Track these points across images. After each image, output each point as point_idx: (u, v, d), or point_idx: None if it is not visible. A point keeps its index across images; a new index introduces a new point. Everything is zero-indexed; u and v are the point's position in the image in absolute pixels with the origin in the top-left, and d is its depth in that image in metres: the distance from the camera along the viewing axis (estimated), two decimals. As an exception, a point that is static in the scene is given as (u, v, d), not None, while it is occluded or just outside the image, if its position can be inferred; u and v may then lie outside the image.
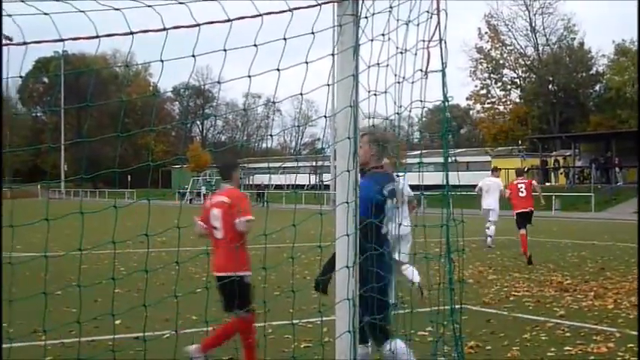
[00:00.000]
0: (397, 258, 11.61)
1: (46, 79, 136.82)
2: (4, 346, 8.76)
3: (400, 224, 7.22)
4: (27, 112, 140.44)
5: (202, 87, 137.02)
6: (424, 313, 7.16)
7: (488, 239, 26.18)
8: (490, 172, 28.79)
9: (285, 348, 9.55)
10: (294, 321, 9.80)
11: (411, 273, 12.60)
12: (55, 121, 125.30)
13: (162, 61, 5.19)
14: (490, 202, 26.66)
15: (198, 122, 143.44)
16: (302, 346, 9.68)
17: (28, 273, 13.73)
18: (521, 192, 23.34)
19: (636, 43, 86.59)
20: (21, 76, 4.99)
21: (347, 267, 5.73)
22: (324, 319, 10.09)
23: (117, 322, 9.59)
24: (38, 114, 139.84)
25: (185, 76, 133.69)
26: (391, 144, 7.47)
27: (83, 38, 4.86)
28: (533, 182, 25.06)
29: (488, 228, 26.30)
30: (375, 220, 6.70)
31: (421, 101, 5.95)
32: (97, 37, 4.82)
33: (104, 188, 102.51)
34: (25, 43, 5.08)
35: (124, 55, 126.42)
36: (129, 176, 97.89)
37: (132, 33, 4.93)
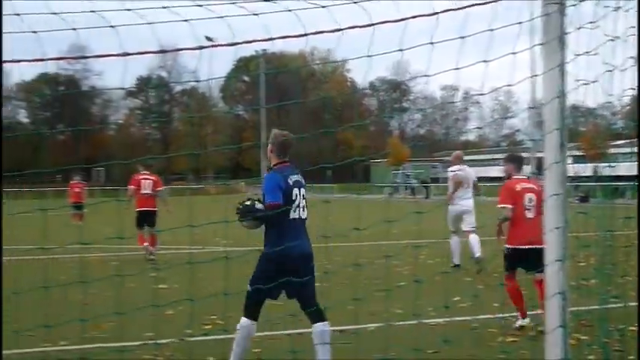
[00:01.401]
0: (464, 228, 16.41)
1: (246, 78, 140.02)
2: (199, 338, 9.06)
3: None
4: (229, 110, 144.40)
5: (401, 81, 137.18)
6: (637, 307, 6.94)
7: None
8: None
9: (490, 342, 9.46)
10: (501, 315, 9.71)
11: (475, 244, 15.98)
12: (256, 119, 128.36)
13: (369, 56, 5.21)
14: None
15: (396, 116, 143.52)
16: (508, 340, 9.55)
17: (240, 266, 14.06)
18: None
19: None
20: (234, 76, 5.13)
21: (558, 260, 5.62)
22: (530, 312, 9.98)
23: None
24: (240, 112, 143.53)
25: (380, 70, 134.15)
26: (290, 144, 8.14)
27: (292, 37, 4.95)
28: None
29: None
30: (284, 205, 7.55)
31: (633, 89, 5.78)
32: (305, 35, 4.90)
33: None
34: (234, 44, 5.23)
35: (321, 52, 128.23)
36: (328, 172, 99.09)
37: (339, 30, 4.98)
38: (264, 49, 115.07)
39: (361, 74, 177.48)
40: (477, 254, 15.57)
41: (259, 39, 5.21)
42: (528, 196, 10.60)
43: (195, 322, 10.03)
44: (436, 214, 7.03)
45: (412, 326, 8.35)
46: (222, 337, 8.86)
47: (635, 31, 5.64)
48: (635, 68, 5.82)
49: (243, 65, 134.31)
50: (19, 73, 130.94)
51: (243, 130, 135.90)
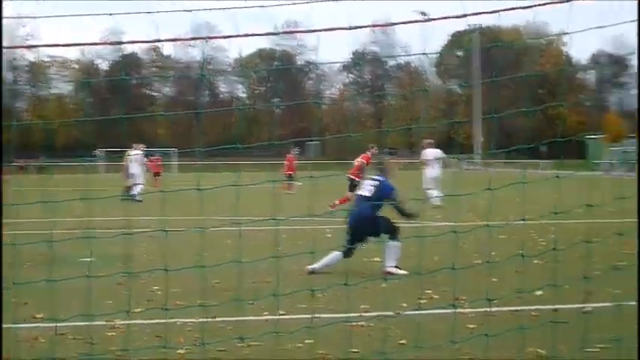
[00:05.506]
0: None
1: (459, 53, 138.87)
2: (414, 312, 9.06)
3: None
4: (441, 85, 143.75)
5: (620, 55, 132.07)
6: None
7: None
8: None
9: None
10: None
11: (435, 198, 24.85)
12: (468, 94, 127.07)
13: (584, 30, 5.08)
14: None
15: (613, 91, 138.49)
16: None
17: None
18: None
19: None
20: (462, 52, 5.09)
21: None
22: None
23: (538, 292, 9.55)
24: (452, 87, 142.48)
25: (599, 44, 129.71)
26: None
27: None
28: None
29: None
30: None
31: None
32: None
33: (516, 159, 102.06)
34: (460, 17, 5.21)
35: (536, 26, 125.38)
36: (542, 148, 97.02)
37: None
38: (479, 24, 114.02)
39: (577, 49, 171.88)
40: None
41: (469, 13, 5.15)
42: None
43: (409, 295, 10.10)
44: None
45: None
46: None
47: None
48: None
49: (456, 40, 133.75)
50: (237, 49, 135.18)
51: (457, 104, 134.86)
